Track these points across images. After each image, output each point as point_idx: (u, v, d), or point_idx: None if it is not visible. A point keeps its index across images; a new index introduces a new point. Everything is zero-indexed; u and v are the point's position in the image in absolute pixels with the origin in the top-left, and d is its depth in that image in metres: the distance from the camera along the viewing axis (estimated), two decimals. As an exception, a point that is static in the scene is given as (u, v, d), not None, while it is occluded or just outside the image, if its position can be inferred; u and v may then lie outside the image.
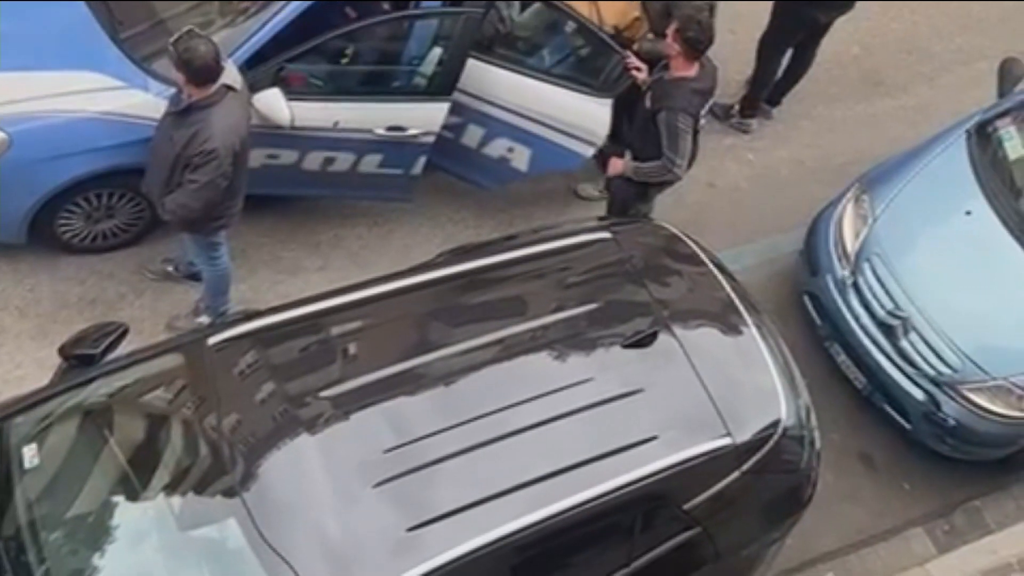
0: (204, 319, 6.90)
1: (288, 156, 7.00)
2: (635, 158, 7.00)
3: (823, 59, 8.71)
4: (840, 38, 8.79)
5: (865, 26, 8.32)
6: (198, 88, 6.04)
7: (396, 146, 7.05)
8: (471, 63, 6.94)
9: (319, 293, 5.93)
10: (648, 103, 6.86)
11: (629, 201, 7.17)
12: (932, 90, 8.72)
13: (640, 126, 6.98)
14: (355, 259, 7.48)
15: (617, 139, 7.33)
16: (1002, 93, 7.59)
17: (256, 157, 6.68)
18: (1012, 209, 7.20)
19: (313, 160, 7.05)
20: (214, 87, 6.05)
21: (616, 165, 7.07)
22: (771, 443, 5.81)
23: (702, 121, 6.95)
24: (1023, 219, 7.14)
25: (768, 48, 8.23)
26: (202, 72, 5.99)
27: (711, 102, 7.05)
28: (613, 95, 7.25)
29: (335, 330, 5.71)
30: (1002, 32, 8.96)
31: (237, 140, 6.17)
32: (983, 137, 7.41)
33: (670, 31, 6.73)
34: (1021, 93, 7.55)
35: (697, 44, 6.66)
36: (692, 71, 6.73)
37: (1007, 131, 7.44)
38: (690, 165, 7.02)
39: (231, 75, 6.15)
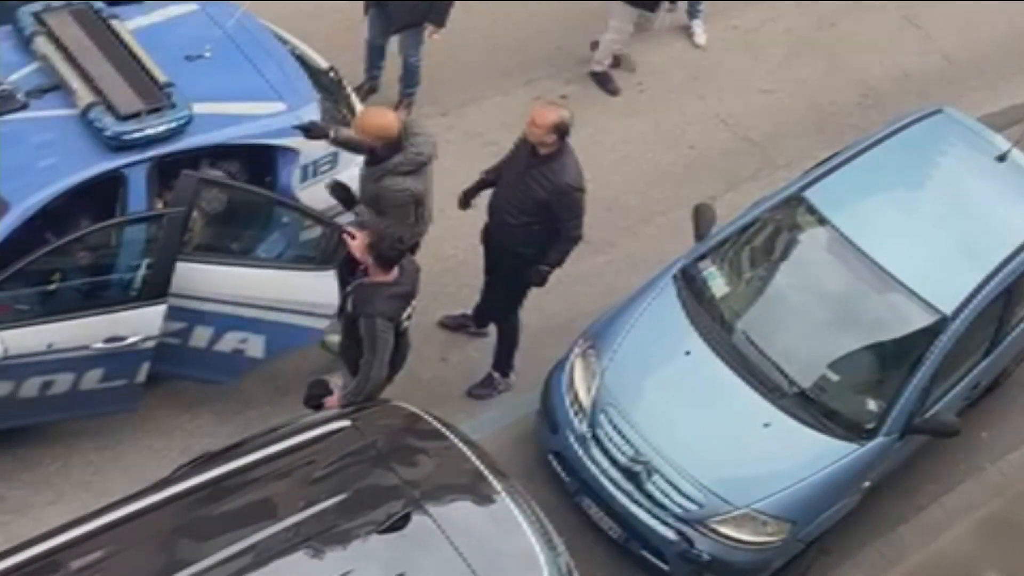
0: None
1: (2, 388, 6.69)
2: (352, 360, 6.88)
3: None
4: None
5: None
6: None
7: (116, 357, 6.86)
8: (187, 265, 6.84)
9: (54, 527, 5.62)
10: (349, 307, 6.80)
11: None
12: (637, 241, 9.13)
13: (346, 328, 6.92)
14: (88, 487, 7.13)
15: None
16: (699, 237, 8.01)
17: (-33, 394, 6.37)
18: (726, 344, 7.55)
19: (31, 387, 6.76)
20: None
21: (332, 404, 6.88)
22: (538, 606, 5.80)
23: (406, 323, 6.87)
24: (739, 353, 7.51)
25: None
26: None
27: (413, 304, 6.94)
28: (334, 265, 7.19)
29: (75, 564, 5.41)
30: (688, 181, 9.53)
31: None
32: (689, 280, 7.79)
33: (361, 244, 6.62)
34: (716, 235, 8.00)
35: (391, 260, 6.64)
36: (390, 276, 6.72)
37: (710, 271, 7.85)
38: (395, 368, 6.91)
39: None
